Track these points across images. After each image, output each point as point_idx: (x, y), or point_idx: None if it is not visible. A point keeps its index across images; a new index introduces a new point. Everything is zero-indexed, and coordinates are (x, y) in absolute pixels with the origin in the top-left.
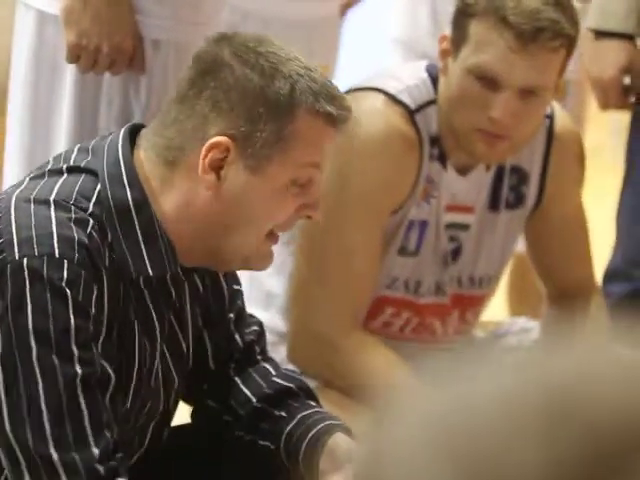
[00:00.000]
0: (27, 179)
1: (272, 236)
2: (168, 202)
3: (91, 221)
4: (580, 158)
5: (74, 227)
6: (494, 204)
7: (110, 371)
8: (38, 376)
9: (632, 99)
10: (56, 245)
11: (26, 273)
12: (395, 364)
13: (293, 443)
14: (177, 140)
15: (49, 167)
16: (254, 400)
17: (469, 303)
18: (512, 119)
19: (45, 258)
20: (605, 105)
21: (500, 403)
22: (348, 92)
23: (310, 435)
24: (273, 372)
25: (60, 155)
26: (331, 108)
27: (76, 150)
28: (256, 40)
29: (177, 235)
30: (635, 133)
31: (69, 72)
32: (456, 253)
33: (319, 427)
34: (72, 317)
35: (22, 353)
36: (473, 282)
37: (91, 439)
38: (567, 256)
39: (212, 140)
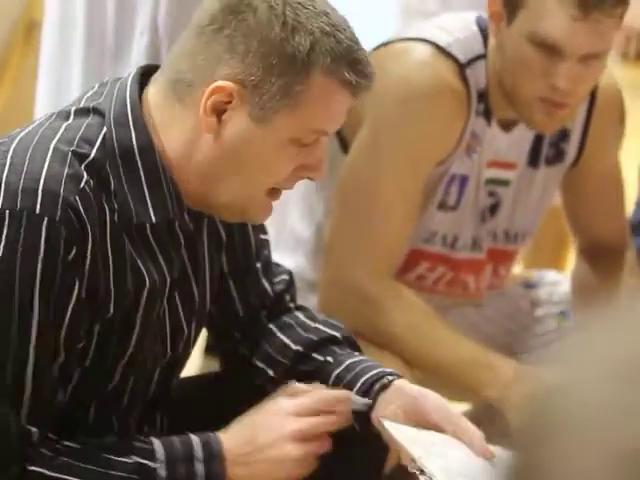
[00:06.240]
0: (36, 122)
1: (274, 192)
2: (173, 142)
3: (85, 176)
4: (621, 115)
5: (64, 183)
6: (534, 160)
7: (61, 348)
8: None
9: None
10: (39, 201)
11: (6, 223)
12: (428, 315)
13: (343, 387)
14: (188, 74)
15: (59, 109)
16: (294, 346)
17: (503, 257)
18: (575, 85)
19: (25, 213)
20: (625, 55)
21: None
22: (393, 41)
23: (363, 380)
24: (314, 319)
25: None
26: (350, 75)
27: (91, 91)
28: None
29: (182, 177)
30: None
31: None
32: (494, 208)
33: (371, 373)
34: (39, 273)
35: None
36: (508, 237)
37: (27, 393)
38: (602, 211)
39: (217, 84)
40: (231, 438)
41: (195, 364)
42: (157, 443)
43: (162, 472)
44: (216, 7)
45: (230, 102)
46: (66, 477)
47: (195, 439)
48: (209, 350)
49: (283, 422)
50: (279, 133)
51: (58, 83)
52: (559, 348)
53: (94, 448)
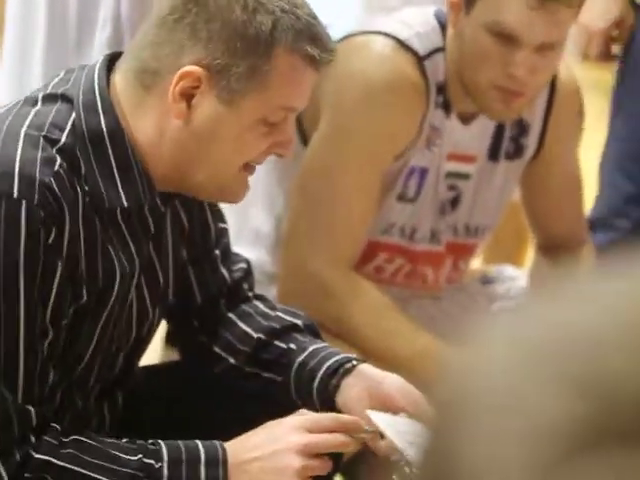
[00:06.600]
0: (3, 109)
1: (248, 167)
2: (142, 128)
3: (59, 159)
4: (580, 111)
5: (39, 166)
6: (494, 154)
7: (49, 327)
8: None
9: (616, 52)
10: (16, 185)
11: None
12: (387, 308)
13: (307, 372)
14: (153, 64)
15: (28, 95)
16: (255, 334)
17: (463, 251)
18: (531, 75)
19: (3, 198)
20: (586, 55)
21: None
22: (355, 35)
23: (327, 365)
24: (274, 308)
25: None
26: (312, 49)
27: (58, 77)
28: None
29: (153, 163)
30: (618, 86)
31: None
32: (455, 202)
33: (335, 358)
34: (22, 255)
35: None
36: (469, 231)
37: (21, 378)
38: (561, 207)
39: (184, 69)
40: (238, 445)
41: (157, 354)
42: (163, 445)
43: (165, 471)
44: None
45: (198, 87)
46: (73, 467)
47: (200, 444)
48: (168, 341)
49: (291, 434)
50: (248, 114)
51: (20, 75)
52: (473, 333)
53: (100, 443)
